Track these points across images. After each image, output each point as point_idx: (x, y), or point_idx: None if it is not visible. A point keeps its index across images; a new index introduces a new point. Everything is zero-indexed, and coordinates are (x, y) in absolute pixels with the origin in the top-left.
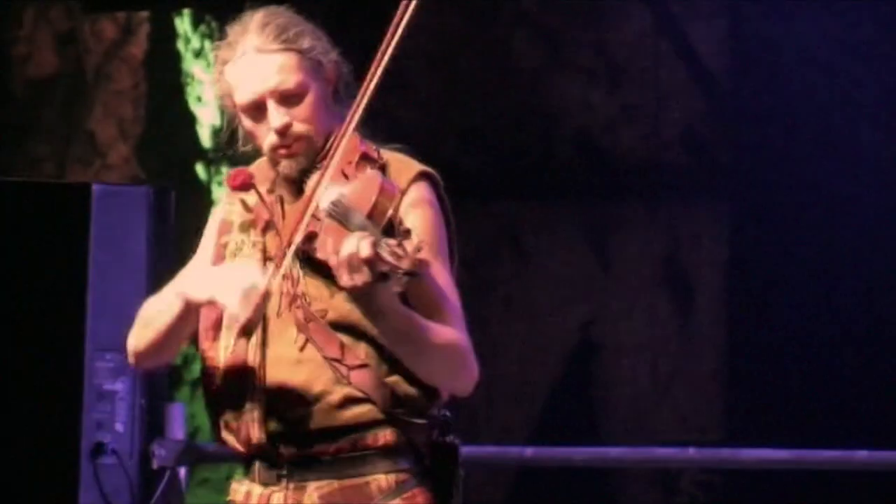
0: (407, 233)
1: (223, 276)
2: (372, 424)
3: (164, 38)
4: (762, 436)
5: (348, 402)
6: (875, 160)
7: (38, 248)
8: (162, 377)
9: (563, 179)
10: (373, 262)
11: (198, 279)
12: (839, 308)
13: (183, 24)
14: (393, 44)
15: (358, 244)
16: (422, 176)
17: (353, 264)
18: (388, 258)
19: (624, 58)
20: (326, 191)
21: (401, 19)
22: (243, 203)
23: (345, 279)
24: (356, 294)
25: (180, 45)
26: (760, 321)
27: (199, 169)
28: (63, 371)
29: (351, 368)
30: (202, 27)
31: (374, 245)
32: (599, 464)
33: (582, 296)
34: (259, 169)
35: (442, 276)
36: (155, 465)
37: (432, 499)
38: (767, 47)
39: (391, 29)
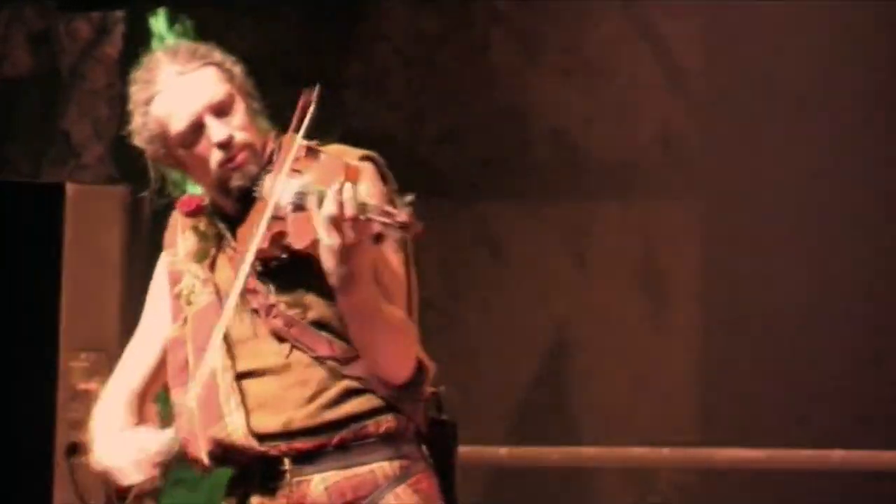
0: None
1: (117, 443)
2: (373, 412)
3: (139, 38)
4: (737, 436)
5: (347, 394)
6: (851, 159)
7: (12, 247)
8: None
9: (539, 179)
10: (358, 220)
11: (102, 445)
12: (814, 308)
13: (158, 23)
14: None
15: (341, 201)
16: (364, 158)
17: (340, 224)
18: (379, 216)
19: (599, 57)
20: (283, 188)
21: (304, 115)
22: (196, 230)
23: (326, 241)
24: (338, 257)
25: (155, 44)
26: (735, 320)
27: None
28: (37, 370)
29: (344, 363)
30: (177, 26)
31: (362, 206)
32: (575, 463)
33: (558, 295)
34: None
35: (390, 256)
36: None
37: (436, 481)
38: (742, 47)
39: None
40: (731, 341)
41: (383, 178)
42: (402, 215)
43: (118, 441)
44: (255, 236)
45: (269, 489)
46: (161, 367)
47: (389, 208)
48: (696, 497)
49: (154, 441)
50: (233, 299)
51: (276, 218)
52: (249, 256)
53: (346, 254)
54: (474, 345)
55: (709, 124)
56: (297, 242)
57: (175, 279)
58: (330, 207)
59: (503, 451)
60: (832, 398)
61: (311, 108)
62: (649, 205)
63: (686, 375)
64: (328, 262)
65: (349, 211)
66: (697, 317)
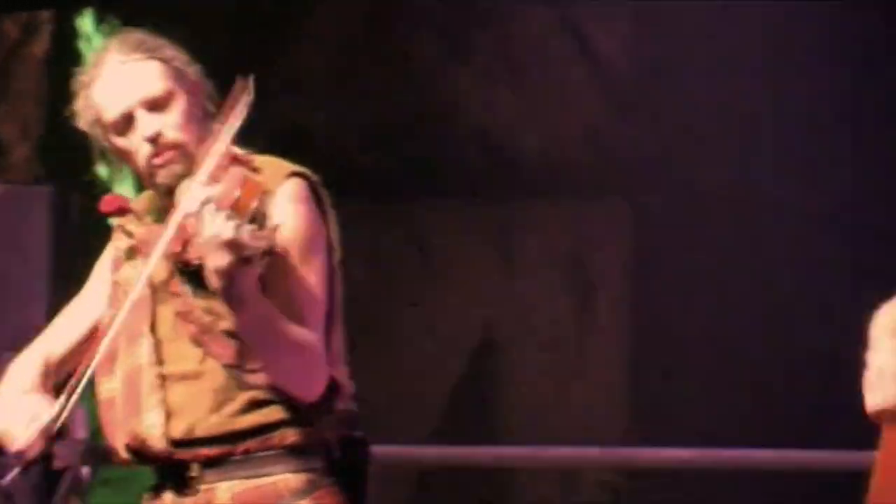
0: (263, 216)
1: (13, 406)
2: (278, 424)
3: (67, 38)
4: (665, 435)
5: (253, 405)
6: (777, 158)
7: None
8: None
9: (466, 179)
10: (234, 243)
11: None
12: (742, 307)
13: (85, 23)
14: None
15: (219, 227)
16: (294, 175)
17: (215, 246)
18: (248, 240)
19: (526, 57)
20: (193, 195)
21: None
22: (123, 230)
23: (208, 262)
24: (219, 278)
25: (82, 44)
26: (663, 320)
27: (102, 169)
28: None
29: (252, 372)
30: (104, 27)
31: (236, 228)
32: (502, 463)
33: (485, 294)
34: (147, 198)
35: (309, 275)
36: (57, 464)
37: (342, 497)
38: (670, 47)
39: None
40: (659, 340)
41: (316, 196)
42: (264, 241)
43: (14, 404)
44: (162, 239)
45: (181, 493)
46: (84, 344)
47: (259, 232)
48: (624, 496)
49: (48, 409)
50: (132, 298)
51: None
52: (153, 259)
53: (227, 274)
54: (402, 344)
55: (637, 124)
56: (195, 252)
57: (117, 265)
58: (208, 229)
59: (430, 450)
60: (760, 397)
61: (242, 107)
62: (577, 204)
63: (613, 374)
64: (213, 282)
65: (224, 234)
66: (625, 316)
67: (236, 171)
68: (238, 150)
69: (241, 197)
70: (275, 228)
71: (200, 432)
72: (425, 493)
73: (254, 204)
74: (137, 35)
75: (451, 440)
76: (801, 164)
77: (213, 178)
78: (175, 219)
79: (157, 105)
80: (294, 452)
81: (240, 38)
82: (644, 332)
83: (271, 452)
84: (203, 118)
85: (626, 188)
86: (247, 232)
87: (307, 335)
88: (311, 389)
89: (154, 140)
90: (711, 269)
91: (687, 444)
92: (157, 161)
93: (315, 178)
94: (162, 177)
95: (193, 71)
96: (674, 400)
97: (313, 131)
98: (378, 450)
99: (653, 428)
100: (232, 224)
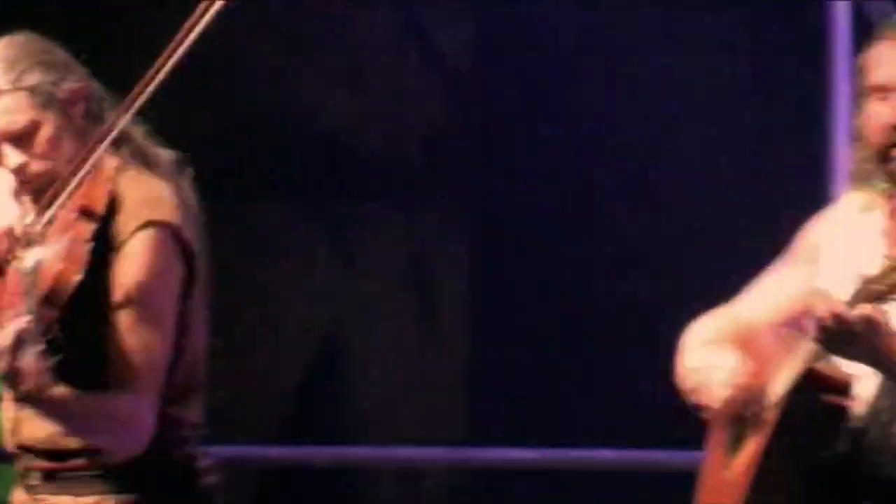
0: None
1: None
2: None
3: None
4: (507, 436)
5: None
6: (624, 158)
7: None
8: None
9: (307, 180)
10: (9, 359)
11: None
12: (583, 309)
13: None
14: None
15: (4, 336)
16: (148, 225)
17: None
18: (23, 367)
19: (367, 59)
20: (31, 253)
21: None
22: None
23: None
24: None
25: None
26: (504, 321)
27: None
28: None
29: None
30: None
31: (17, 342)
32: (345, 464)
33: (326, 296)
34: None
35: (145, 333)
36: None
37: None
38: (514, 50)
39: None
40: (500, 341)
41: (176, 239)
42: (29, 382)
43: None
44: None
45: (28, 497)
46: None
47: (39, 365)
48: (466, 498)
49: None
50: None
51: None
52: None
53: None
54: (244, 344)
55: (479, 126)
56: None
57: None
58: (4, 336)
59: (272, 451)
60: (603, 398)
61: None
62: (418, 206)
63: (455, 375)
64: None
65: (2, 343)
66: (466, 316)
67: (71, 235)
68: (99, 191)
69: (62, 271)
70: (48, 367)
71: (36, 444)
72: (268, 494)
73: (75, 279)
74: (8, 57)
75: (293, 441)
76: (650, 162)
77: (61, 230)
78: (13, 271)
79: (20, 139)
80: (121, 474)
81: (75, 37)
82: (485, 333)
83: (100, 472)
84: (86, 125)
85: (468, 190)
86: (28, 355)
87: (119, 408)
88: (125, 452)
89: (19, 173)
90: (553, 271)
91: (529, 445)
92: (27, 188)
93: (174, 221)
94: (37, 199)
95: (70, 80)
96: (517, 401)
97: (157, 132)
98: (221, 451)
99: (496, 428)
100: (11, 340)
